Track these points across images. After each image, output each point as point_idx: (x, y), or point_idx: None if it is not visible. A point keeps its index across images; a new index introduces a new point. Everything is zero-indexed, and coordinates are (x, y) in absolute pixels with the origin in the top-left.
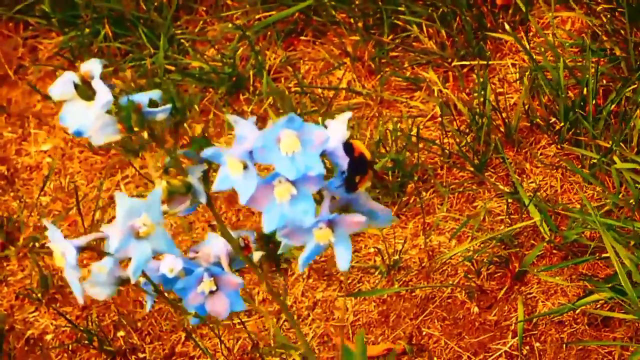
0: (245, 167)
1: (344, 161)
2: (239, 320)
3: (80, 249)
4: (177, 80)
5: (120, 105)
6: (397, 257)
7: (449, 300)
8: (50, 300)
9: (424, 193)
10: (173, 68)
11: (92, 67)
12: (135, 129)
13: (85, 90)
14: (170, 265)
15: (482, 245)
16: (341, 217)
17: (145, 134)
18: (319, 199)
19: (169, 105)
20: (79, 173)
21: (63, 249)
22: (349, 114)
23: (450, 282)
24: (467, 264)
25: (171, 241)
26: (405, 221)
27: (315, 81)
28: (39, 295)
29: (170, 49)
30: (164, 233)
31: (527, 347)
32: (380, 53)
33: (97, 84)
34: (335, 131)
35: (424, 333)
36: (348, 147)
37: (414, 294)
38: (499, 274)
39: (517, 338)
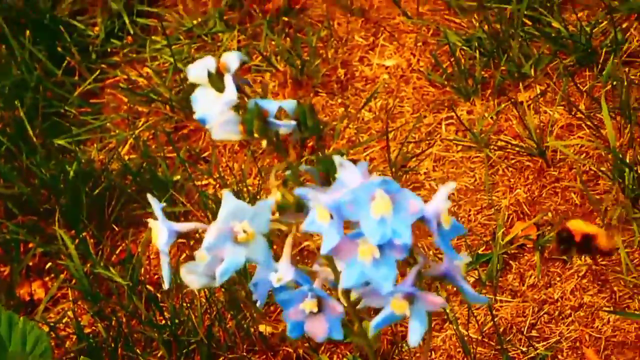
0: (332, 216)
1: (435, 231)
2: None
3: (178, 234)
4: (532, 35)
5: (247, 108)
6: None
7: None
8: None
9: None
10: (529, 22)
11: (230, 59)
12: (256, 135)
13: (216, 81)
14: (281, 273)
15: None
16: (420, 293)
17: (264, 143)
18: (412, 263)
19: (293, 122)
20: (408, 99)
21: (159, 230)
22: (453, 185)
23: None
24: None
25: (269, 255)
26: None
27: None
28: None
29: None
30: (264, 244)
31: None
32: None
33: (228, 80)
34: (437, 199)
35: None
36: (567, 232)
37: None
38: None
39: None
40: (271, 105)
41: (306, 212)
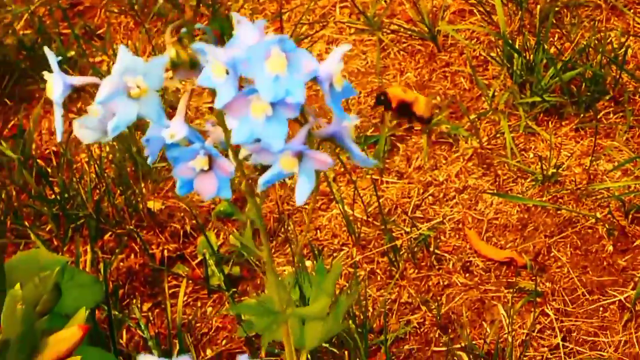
0: (228, 72)
1: (327, 92)
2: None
3: (73, 87)
4: None
5: None
6: (555, 170)
7: (589, 231)
8: None
9: (611, 115)
10: None
11: None
12: None
13: None
14: (174, 130)
15: None
16: (310, 152)
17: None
18: (303, 123)
19: None
20: None
21: (54, 82)
22: (347, 47)
23: (598, 214)
24: (620, 200)
25: (161, 111)
26: (583, 137)
27: None
28: None
29: None
30: (156, 101)
31: None
32: None
33: None
34: (331, 60)
35: (551, 254)
36: (384, 97)
37: (559, 211)
38: None
39: (635, 291)
40: None
41: (199, 70)
